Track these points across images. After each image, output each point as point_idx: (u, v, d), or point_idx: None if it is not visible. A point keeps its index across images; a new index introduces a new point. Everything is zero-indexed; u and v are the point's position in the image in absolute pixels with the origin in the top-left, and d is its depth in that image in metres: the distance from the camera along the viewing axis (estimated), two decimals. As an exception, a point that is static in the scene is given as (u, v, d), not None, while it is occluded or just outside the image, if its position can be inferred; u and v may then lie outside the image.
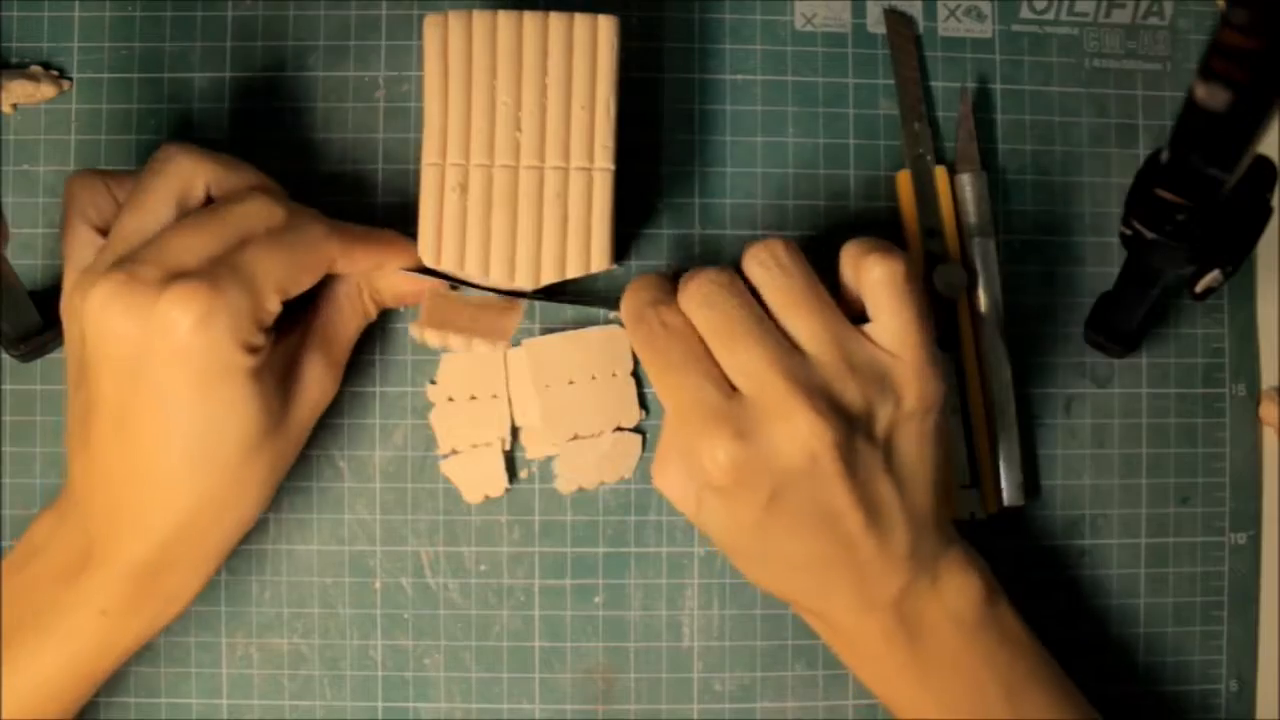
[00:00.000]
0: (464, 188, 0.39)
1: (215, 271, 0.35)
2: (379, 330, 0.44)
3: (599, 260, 0.40)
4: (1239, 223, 0.35)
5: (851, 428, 0.36)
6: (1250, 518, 0.46)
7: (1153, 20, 0.46)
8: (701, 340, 0.37)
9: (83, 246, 0.38)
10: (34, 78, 0.44)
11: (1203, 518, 0.45)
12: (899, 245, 0.44)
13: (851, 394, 0.36)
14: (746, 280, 0.38)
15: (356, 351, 0.42)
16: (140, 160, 0.44)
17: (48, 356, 0.44)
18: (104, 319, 0.34)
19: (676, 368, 0.37)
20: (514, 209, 0.39)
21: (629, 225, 0.44)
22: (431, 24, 0.39)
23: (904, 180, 0.45)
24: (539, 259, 0.39)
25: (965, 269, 0.44)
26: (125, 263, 0.35)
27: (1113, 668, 0.45)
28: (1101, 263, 0.45)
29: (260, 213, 0.37)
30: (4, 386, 0.44)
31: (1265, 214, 0.35)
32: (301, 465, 0.44)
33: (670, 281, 0.39)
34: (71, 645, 0.37)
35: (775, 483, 0.36)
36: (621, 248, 0.44)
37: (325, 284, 0.40)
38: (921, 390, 0.37)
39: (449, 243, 0.39)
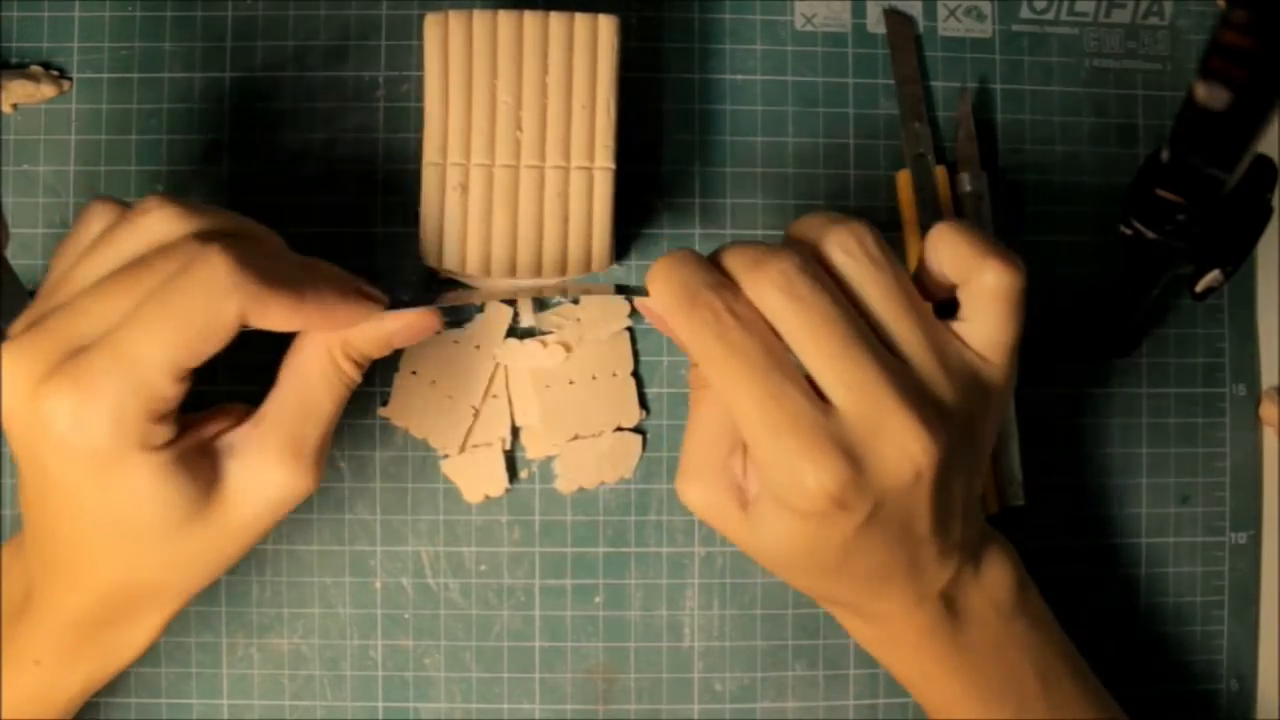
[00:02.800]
0: (465, 187, 0.39)
1: (89, 364, 0.31)
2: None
3: (600, 259, 0.40)
4: (1239, 223, 0.35)
5: (952, 439, 0.33)
6: (1250, 518, 0.46)
7: (1153, 20, 0.46)
8: (777, 335, 0.33)
9: (58, 272, 0.35)
10: (34, 78, 0.44)
11: (1203, 517, 0.45)
12: (897, 246, 0.45)
13: (950, 401, 0.33)
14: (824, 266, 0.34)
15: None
16: (140, 161, 0.44)
17: (48, 356, 0.44)
18: (6, 399, 0.32)
19: (758, 370, 0.32)
20: (515, 208, 0.39)
21: (629, 225, 0.44)
22: (432, 24, 0.39)
23: (904, 180, 0.45)
24: (540, 258, 0.39)
25: (965, 269, 0.44)
26: (36, 325, 0.32)
27: (1113, 667, 0.44)
28: (1101, 263, 0.45)
29: (172, 261, 0.32)
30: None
31: (1265, 214, 0.35)
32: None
33: (708, 259, 0.34)
34: (11, 690, 0.36)
35: (874, 504, 0.32)
36: (621, 247, 0.44)
37: (290, 353, 0.36)
38: (1003, 397, 0.35)
39: (450, 243, 0.39)
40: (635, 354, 0.44)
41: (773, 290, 0.32)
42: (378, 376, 0.44)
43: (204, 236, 0.33)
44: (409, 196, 0.44)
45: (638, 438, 0.44)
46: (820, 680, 0.44)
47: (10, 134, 0.44)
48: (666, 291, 0.33)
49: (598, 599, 0.44)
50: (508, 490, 0.44)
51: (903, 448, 0.32)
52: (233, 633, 0.44)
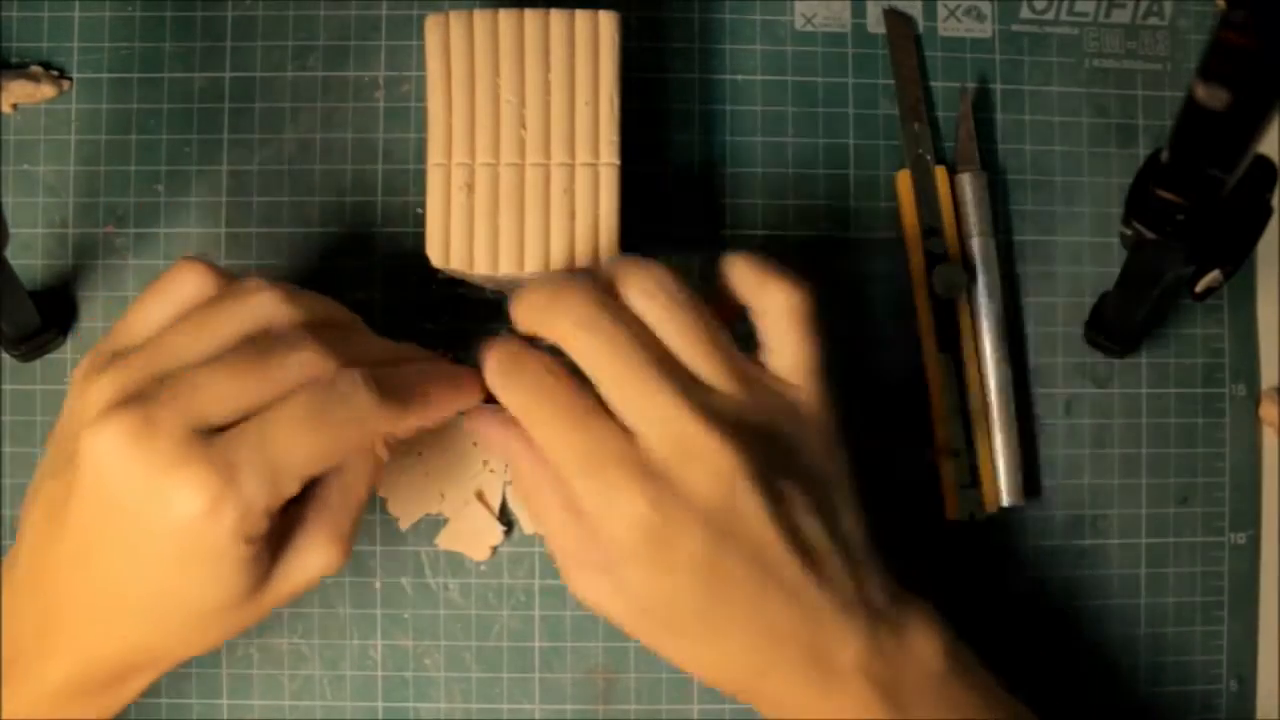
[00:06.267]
0: (470, 187, 0.39)
1: (235, 455, 0.31)
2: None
3: (607, 255, 0.40)
4: (1239, 223, 0.35)
5: (769, 460, 0.33)
6: (1250, 518, 0.46)
7: (1153, 20, 0.46)
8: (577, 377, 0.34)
9: (141, 324, 0.35)
10: (34, 78, 0.44)
11: (1202, 518, 0.45)
12: (898, 246, 0.45)
13: (757, 422, 0.34)
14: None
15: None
16: (140, 161, 0.44)
17: (47, 356, 0.44)
18: (108, 463, 0.31)
19: (560, 409, 0.33)
20: (521, 206, 0.39)
21: (630, 225, 0.44)
22: (432, 24, 0.39)
23: (904, 180, 0.45)
24: (547, 255, 0.39)
25: (965, 269, 0.44)
26: (147, 399, 0.31)
27: (1113, 667, 0.45)
28: (1101, 263, 0.46)
29: (307, 366, 0.32)
30: (4, 386, 0.44)
31: (1265, 214, 0.35)
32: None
33: (522, 338, 0.35)
34: None
35: (700, 531, 0.32)
36: (622, 248, 0.44)
37: None
38: (824, 420, 0.35)
39: (457, 243, 0.39)
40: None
41: (565, 323, 0.34)
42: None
43: (311, 328, 0.34)
44: (409, 196, 0.44)
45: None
46: (820, 680, 0.44)
47: (10, 134, 0.44)
48: (496, 368, 0.35)
49: (598, 599, 0.44)
50: (506, 534, 0.43)
51: (706, 462, 0.32)
52: (232, 633, 0.44)
